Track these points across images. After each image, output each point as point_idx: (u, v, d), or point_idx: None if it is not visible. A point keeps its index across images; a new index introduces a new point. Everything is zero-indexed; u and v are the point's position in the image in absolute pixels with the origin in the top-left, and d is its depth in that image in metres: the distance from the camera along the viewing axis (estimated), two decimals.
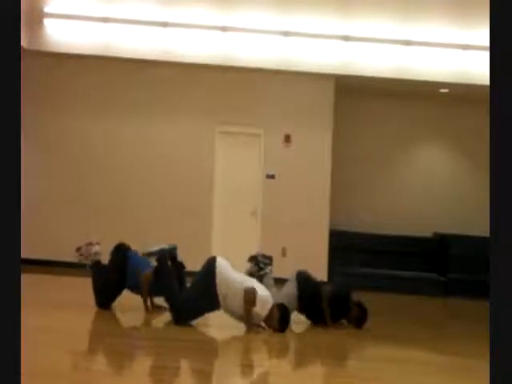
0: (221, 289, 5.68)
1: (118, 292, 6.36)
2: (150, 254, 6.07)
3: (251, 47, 9.38)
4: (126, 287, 6.36)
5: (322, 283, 6.63)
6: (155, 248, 6.08)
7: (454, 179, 10.80)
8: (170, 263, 6.02)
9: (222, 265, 5.82)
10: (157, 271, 5.96)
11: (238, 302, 5.67)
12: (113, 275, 6.27)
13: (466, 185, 10.75)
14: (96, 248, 6.49)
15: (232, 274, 5.78)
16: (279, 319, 5.76)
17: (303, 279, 6.45)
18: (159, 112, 9.67)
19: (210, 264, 5.80)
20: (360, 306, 6.45)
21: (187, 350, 5.05)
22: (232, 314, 5.82)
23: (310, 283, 6.45)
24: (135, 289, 6.35)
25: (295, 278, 6.46)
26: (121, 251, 6.41)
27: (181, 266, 6.16)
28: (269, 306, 5.74)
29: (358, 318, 6.40)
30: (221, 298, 5.70)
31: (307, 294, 6.32)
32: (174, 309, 5.77)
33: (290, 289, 6.39)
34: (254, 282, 5.89)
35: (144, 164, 9.65)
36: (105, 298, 6.30)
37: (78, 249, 6.50)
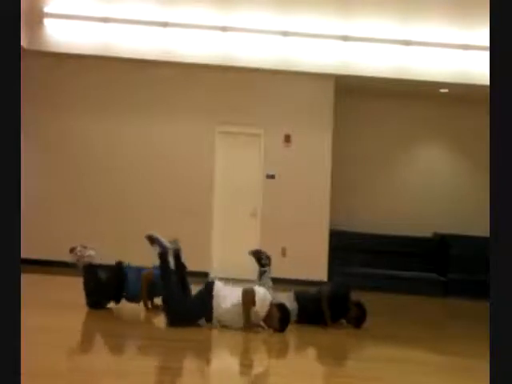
0: (217, 311, 5.68)
1: (113, 298, 6.33)
2: (154, 241, 5.95)
3: (251, 47, 9.38)
4: (123, 296, 6.34)
5: (321, 289, 6.57)
6: (162, 240, 5.96)
7: (454, 179, 10.80)
8: (173, 262, 5.98)
9: (219, 288, 5.80)
10: (160, 268, 5.90)
11: (236, 322, 5.69)
12: (109, 279, 6.26)
13: (466, 185, 10.75)
14: (90, 252, 6.42)
15: (227, 297, 5.76)
16: (279, 319, 5.76)
17: (302, 298, 6.41)
18: (159, 112, 9.67)
19: (208, 288, 5.80)
20: (359, 305, 6.44)
21: (187, 349, 5.05)
22: (230, 326, 5.80)
23: (308, 296, 6.43)
24: (135, 298, 6.34)
25: (293, 297, 6.41)
26: (118, 267, 6.38)
27: (183, 266, 6.14)
28: (267, 302, 5.74)
29: (357, 318, 6.39)
30: (216, 316, 5.70)
31: (308, 310, 6.31)
32: (170, 311, 5.74)
33: (289, 301, 6.34)
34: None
35: (144, 164, 9.65)
36: (96, 298, 6.27)
37: (72, 249, 6.44)
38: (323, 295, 6.27)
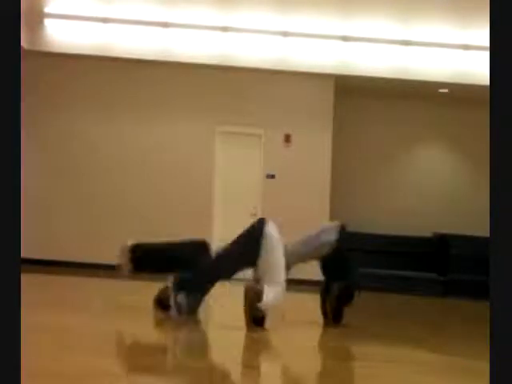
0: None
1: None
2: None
3: (251, 47, 9.38)
4: None
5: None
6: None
7: (454, 179, 10.81)
8: None
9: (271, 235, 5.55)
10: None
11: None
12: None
13: (465, 185, 10.75)
14: None
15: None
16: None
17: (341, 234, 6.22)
18: (159, 112, 9.67)
19: (258, 231, 5.49)
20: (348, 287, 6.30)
21: (187, 349, 5.05)
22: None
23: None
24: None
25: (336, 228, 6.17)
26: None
27: None
28: (278, 300, 5.64)
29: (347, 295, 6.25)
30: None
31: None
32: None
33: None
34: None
35: (144, 164, 9.65)
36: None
37: None
38: (333, 294, 6.17)
